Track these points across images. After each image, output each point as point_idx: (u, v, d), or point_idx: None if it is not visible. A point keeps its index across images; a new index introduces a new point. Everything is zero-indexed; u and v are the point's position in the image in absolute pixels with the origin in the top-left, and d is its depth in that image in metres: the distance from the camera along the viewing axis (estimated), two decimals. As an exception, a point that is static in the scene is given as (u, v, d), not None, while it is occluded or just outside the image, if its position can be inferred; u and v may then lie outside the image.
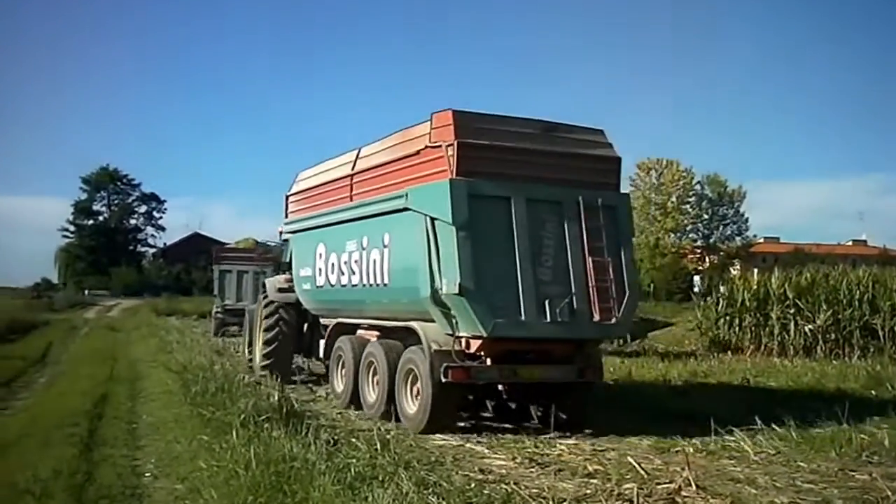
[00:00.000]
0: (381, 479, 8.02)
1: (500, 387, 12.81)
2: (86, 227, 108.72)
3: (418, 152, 11.67)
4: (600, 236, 11.58)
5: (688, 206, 74.17)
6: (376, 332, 13.71)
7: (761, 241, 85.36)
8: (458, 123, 11.11)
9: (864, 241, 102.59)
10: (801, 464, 9.83)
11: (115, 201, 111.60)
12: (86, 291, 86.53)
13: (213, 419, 10.78)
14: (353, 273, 13.59)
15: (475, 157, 11.11)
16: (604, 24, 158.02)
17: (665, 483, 8.59)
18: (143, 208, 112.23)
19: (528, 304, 11.04)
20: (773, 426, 11.59)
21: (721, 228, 77.06)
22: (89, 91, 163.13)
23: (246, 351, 19.57)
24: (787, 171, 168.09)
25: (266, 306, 17.42)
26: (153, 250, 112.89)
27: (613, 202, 12.01)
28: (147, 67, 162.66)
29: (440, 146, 11.13)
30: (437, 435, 11.59)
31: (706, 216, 76.62)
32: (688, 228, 75.26)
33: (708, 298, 28.34)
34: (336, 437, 10.50)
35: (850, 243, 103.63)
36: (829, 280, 26.76)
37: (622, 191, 12.56)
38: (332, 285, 14.55)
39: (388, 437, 10.57)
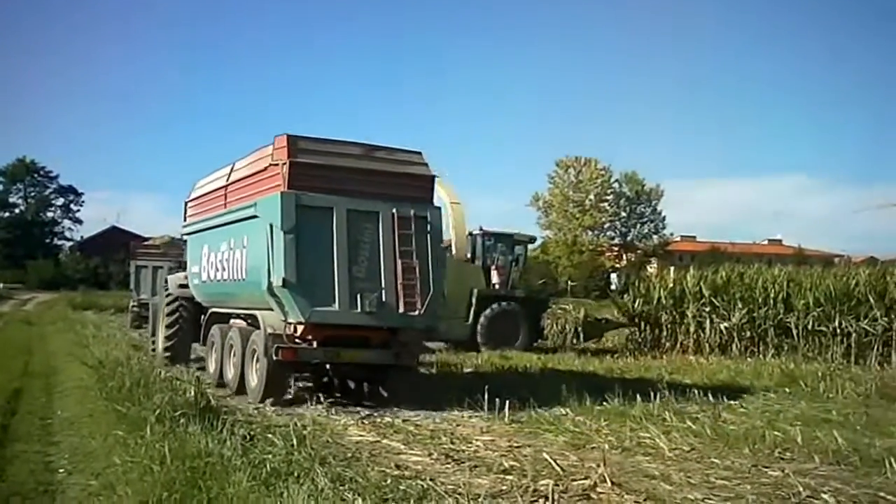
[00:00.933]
0: (296, 474, 7.98)
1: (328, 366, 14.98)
2: (1, 220, 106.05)
3: (265, 168, 13.91)
4: (410, 242, 13.75)
5: (606, 203, 75.16)
6: (241, 321, 15.87)
7: (678, 239, 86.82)
8: (291, 145, 13.34)
9: (780, 241, 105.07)
10: (715, 460, 9.95)
11: (32, 193, 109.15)
12: (0, 285, 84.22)
13: (129, 414, 10.64)
14: (225, 270, 15.83)
15: (305, 174, 13.34)
16: (523, 21, 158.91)
17: (580, 479, 8.63)
18: (61, 201, 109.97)
19: (343, 296, 13.26)
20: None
21: (638, 226, 78.24)
22: (5, 81, 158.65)
23: (150, 340, 21.62)
24: (704, 171, 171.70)
25: (167, 300, 19.78)
26: (70, 244, 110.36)
27: (425, 213, 14.16)
28: (68, 59, 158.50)
29: (278, 164, 13.37)
30: (353, 430, 11.75)
31: (624, 214, 77.71)
32: (605, 226, 76.27)
33: (625, 296, 28.60)
34: (252, 433, 10.42)
35: (766, 242, 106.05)
36: (744, 279, 27.12)
37: (435, 204, 14.71)
38: (212, 280, 16.87)
39: (304, 432, 10.54)
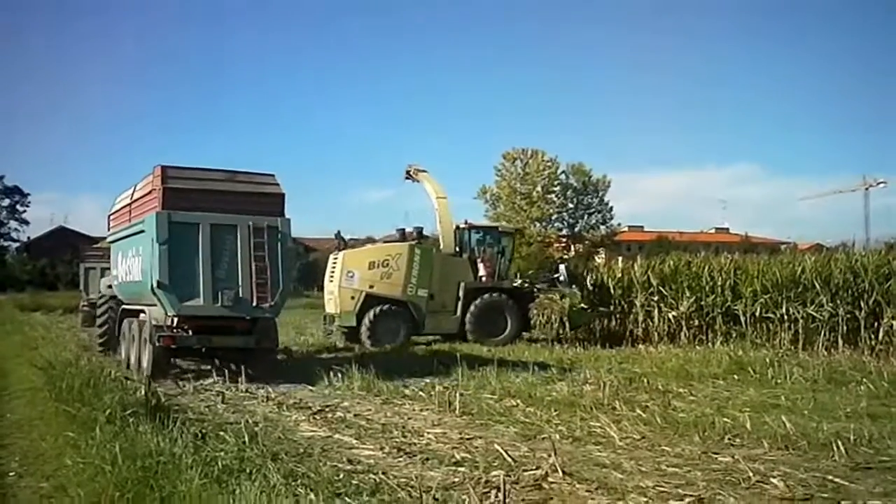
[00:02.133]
0: (248, 471, 7.99)
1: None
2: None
3: (150, 192, 17.44)
4: (263, 248, 17.20)
5: (553, 195, 75.03)
6: (143, 315, 18.40)
7: (626, 229, 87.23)
8: (164, 174, 17.04)
9: (727, 229, 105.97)
10: (666, 448, 10.09)
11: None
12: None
13: (79, 415, 10.59)
14: (130, 273, 19.10)
15: (175, 197, 16.90)
16: (463, 15, 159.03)
17: (532, 470, 8.71)
18: (6, 202, 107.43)
19: (206, 293, 16.87)
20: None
21: (586, 217, 78.14)
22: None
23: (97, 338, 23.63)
24: (649, 162, 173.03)
25: (100, 299, 23.64)
26: (16, 244, 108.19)
27: (276, 225, 17.47)
28: (9, 61, 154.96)
29: (156, 189, 16.97)
30: (305, 426, 11.86)
31: (571, 205, 77.68)
32: (553, 217, 76.13)
33: (573, 287, 28.76)
34: (204, 431, 10.40)
35: (713, 231, 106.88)
36: (691, 267, 27.39)
37: (285, 216, 17.71)
38: (124, 282, 20.03)
39: (255, 429, 10.54)
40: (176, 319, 17.18)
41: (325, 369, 17.27)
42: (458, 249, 28.55)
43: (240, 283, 17.07)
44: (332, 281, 27.44)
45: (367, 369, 16.59)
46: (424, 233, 29.42)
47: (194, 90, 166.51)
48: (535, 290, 28.37)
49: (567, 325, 27.62)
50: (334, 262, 27.54)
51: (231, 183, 17.61)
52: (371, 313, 26.16)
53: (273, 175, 18.13)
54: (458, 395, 13.69)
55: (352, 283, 26.63)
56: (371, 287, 26.57)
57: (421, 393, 14.75)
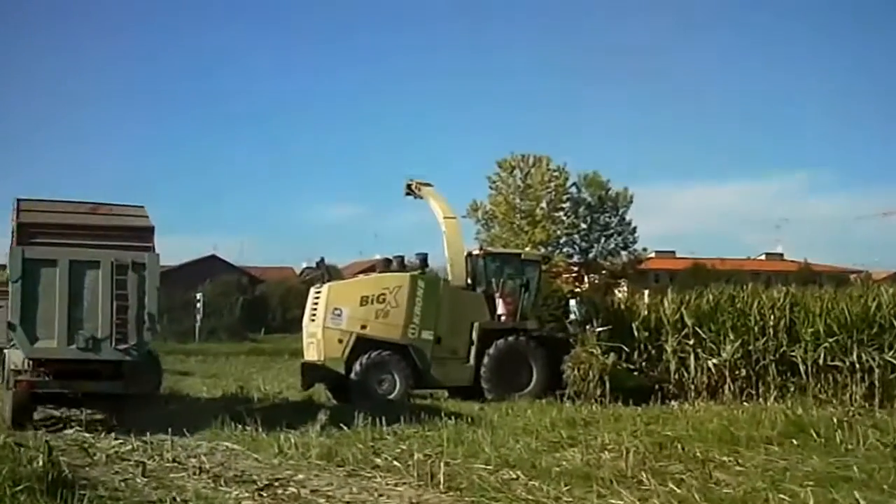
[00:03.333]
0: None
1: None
2: None
3: (16, 227, 19.19)
4: (125, 286, 18.72)
5: (561, 213, 75.02)
6: None
7: (652, 255, 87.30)
8: (19, 209, 19.29)
9: (781, 255, 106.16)
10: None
11: None
12: None
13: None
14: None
15: (31, 232, 18.87)
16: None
17: None
18: None
19: (61, 334, 18.34)
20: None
21: (603, 241, 78.20)
22: None
23: None
24: (684, 172, 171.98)
25: None
26: None
27: (142, 261, 19.02)
28: None
29: (12, 223, 19.13)
30: None
31: (584, 226, 77.69)
32: (562, 241, 76.12)
33: (587, 328, 28.61)
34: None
35: (763, 257, 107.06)
36: (736, 303, 27.31)
37: (154, 251, 19.49)
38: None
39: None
40: (31, 363, 18.80)
41: (233, 417, 18.08)
42: (470, 282, 28.44)
43: (99, 323, 18.63)
44: (313, 320, 27.31)
45: (327, 430, 16.42)
46: (428, 261, 29.18)
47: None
48: (572, 338, 27.94)
49: (606, 385, 26.19)
50: (317, 297, 27.40)
51: (94, 216, 19.91)
52: (363, 360, 25.95)
53: (142, 207, 20.72)
54: (442, 464, 13.52)
55: (339, 322, 26.42)
56: (363, 328, 26.38)
57: (396, 462, 14.57)
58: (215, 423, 18.96)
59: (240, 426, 18.45)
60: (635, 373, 27.81)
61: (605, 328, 27.80)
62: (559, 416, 21.68)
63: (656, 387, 27.20)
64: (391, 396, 25.37)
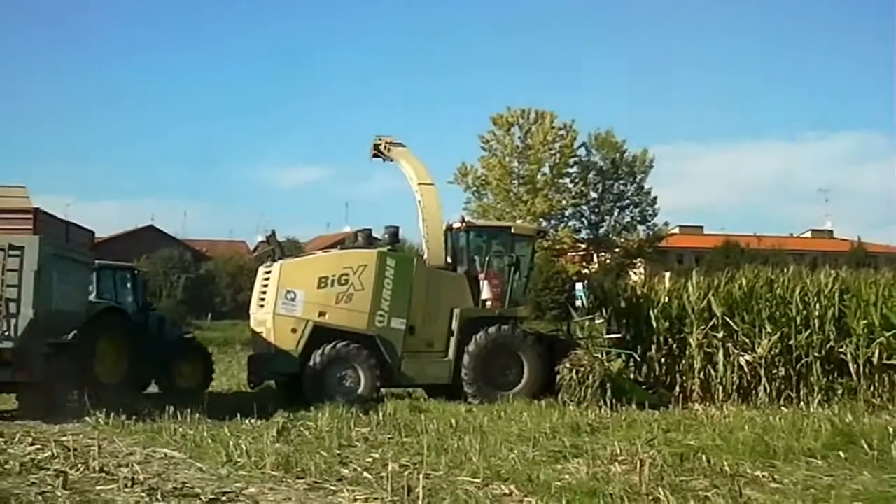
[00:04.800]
0: None
1: None
2: None
3: None
4: (2, 272, 21.04)
5: (567, 179, 75.13)
6: None
7: (675, 231, 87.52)
8: None
9: (829, 232, 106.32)
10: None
11: None
12: None
13: None
14: None
15: None
16: None
17: None
18: None
19: None
20: None
21: (616, 213, 78.33)
22: None
23: None
24: (714, 131, 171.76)
25: None
26: None
27: (22, 244, 21.20)
28: None
29: None
30: None
31: (594, 195, 77.71)
32: (567, 213, 76.34)
33: (596, 316, 28.56)
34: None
35: (809, 235, 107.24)
36: (775, 288, 27.31)
37: (36, 234, 21.57)
38: None
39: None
40: None
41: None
42: (450, 260, 28.14)
43: None
44: (262, 306, 26.85)
45: (287, 438, 16.40)
46: (401, 235, 28.94)
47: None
48: (578, 340, 27.85)
49: (609, 392, 25.67)
50: (266, 278, 26.87)
51: None
52: (321, 353, 25.64)
53: (23, 187, 23.06)
54: (421, 477, 13.53)
55: (293, 308, 25.98)
56: (322, 315, 26.04)
57: (366, 474, 14.58)
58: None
59: (179, 430, 18.51)
60: (643, 386, 27.62)
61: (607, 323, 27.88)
62: (561, 420, 21.70)
63: (678, 384, 27.26)
64: (353, 396, 24.96)
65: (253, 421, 20.94)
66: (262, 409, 22.53)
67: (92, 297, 27.16)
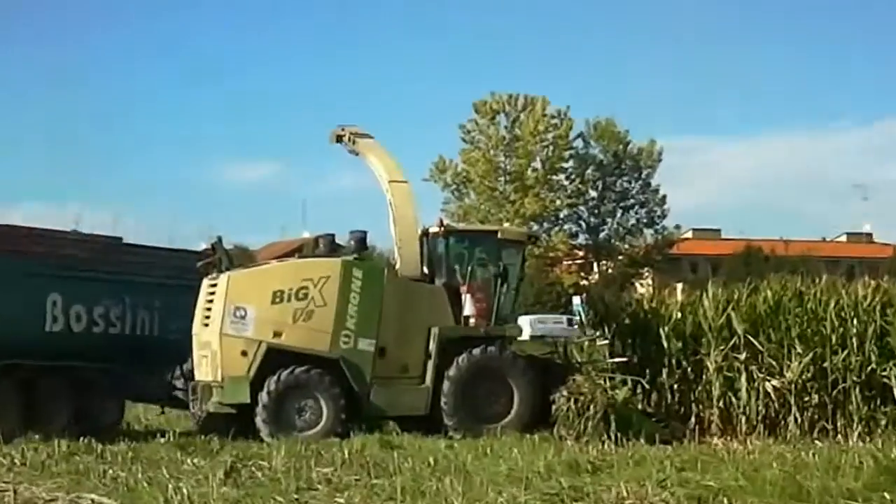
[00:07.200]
0: None
1: None
2: None
3: None
4: None
5: (562, 175, 75.35)
6: None
7: (688, 235, 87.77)
8: None
9: (868, 236, 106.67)
10: None
11: None
12: None
13: None
14: None
15: None
16: None
17: None
18: None
19: None
20: None
21: (619, 215, 78.55)
22: None
23: None
24: (731, 123, 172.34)
25: None
26: None
27: None
28: None
29: None
30: None
31: (593, 193, 77.92)
32: (562, 214, 76.54)
33: (597, 334, 28.60)
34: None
35: (844, 239, 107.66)
36: (805, 302, 27.32)
37: None
38: None
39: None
40: None
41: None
42: (427, 271, 27.96)
43: None
44: (206, 325, 26.34)
45: (236, 481, 16.34)
46: (369, 241, 28.83)
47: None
48: (577, 364, 27.74)
49: (613, 425, 25.62)
50: (211, 293, 26.45)
51: None
52: (276, 380, 25.21)
53: None
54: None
55: (243, 328, 25.54)
56: (277, 335, 25.65)
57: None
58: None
59: (109, 472, 18.44)
60: (653, 418, 27.62)
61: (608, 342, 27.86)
62: (557, 458, 21.61)
63: (693, 415, 27.24)
64: (314, 430, 24.87)
65: (196, 461, 20.84)
66: (206, 447, 22.51)
67: None
